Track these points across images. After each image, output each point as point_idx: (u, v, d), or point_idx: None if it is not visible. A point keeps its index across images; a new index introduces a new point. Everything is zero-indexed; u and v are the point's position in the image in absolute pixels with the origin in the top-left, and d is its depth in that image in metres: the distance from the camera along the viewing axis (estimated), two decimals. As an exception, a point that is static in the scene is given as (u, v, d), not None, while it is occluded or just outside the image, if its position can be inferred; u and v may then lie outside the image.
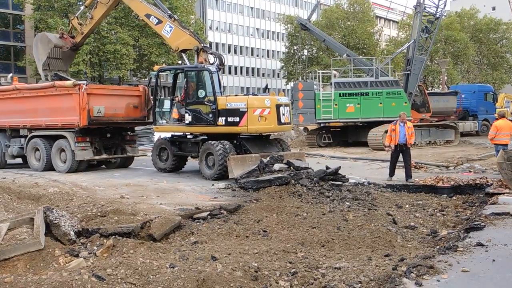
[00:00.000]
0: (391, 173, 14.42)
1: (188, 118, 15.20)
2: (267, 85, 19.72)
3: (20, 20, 50.68)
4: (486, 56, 66.00)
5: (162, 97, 17.68)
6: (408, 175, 14.16)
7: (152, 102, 16.39)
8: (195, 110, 15.12)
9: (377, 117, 25.95)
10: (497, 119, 15.58)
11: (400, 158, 14.60)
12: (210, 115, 14.81)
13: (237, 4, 79.37)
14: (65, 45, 18.30)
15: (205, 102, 14.93)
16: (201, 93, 15.15)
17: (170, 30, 16.28)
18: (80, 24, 18.44)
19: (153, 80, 16.77)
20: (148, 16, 16.77)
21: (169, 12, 16.94)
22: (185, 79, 15.49)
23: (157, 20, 16.54)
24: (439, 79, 56.87)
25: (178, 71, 16.64)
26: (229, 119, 14.51)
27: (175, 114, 15.81)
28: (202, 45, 15.90)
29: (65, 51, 18.54)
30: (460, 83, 55.71)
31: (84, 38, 18.83)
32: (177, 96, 16.02)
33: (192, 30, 17.25)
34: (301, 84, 27.73)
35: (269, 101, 14.68)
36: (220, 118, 14.62)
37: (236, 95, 16.49)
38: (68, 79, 17.12)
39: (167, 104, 16.77)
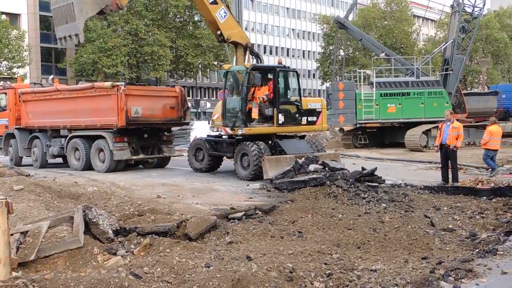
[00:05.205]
0: (443, 178, 13.89)
1: (281, 118, 15.02)
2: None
3: (61, 23, 51.99)
4: (527, 55, 64.04)
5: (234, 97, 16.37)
6: (454, 179, 13.66)
7: (244, 102, 14.83)
8: (286, 110, 15.24)
9: (419, 118, 25.54)
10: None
11: None
12: (297, 115, 15.29)
13: (273, 5, 79.48)
14: (110, 6, 15.35)
15: (295, 103, 15.31)
16: (289, 94, 15.61)
17: (225, 16, 16.10)
18: None
19: (245, 79, 14.83)
20: None
21: None
22: (277, 79, 15.19)
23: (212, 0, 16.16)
24: (478, 79, 55.56)
25: (267, 70, 15.85)
26: (309, 118, 15.47)
27: (255, 115, 14.88)
28: (250, 43, 15.99)
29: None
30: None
31: None
32: (257, 97, 15.19)
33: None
34: (341, 84, 27.20)
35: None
36: (303, 118, 15.32)
37: (307, 96, 16.75)
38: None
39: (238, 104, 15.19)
